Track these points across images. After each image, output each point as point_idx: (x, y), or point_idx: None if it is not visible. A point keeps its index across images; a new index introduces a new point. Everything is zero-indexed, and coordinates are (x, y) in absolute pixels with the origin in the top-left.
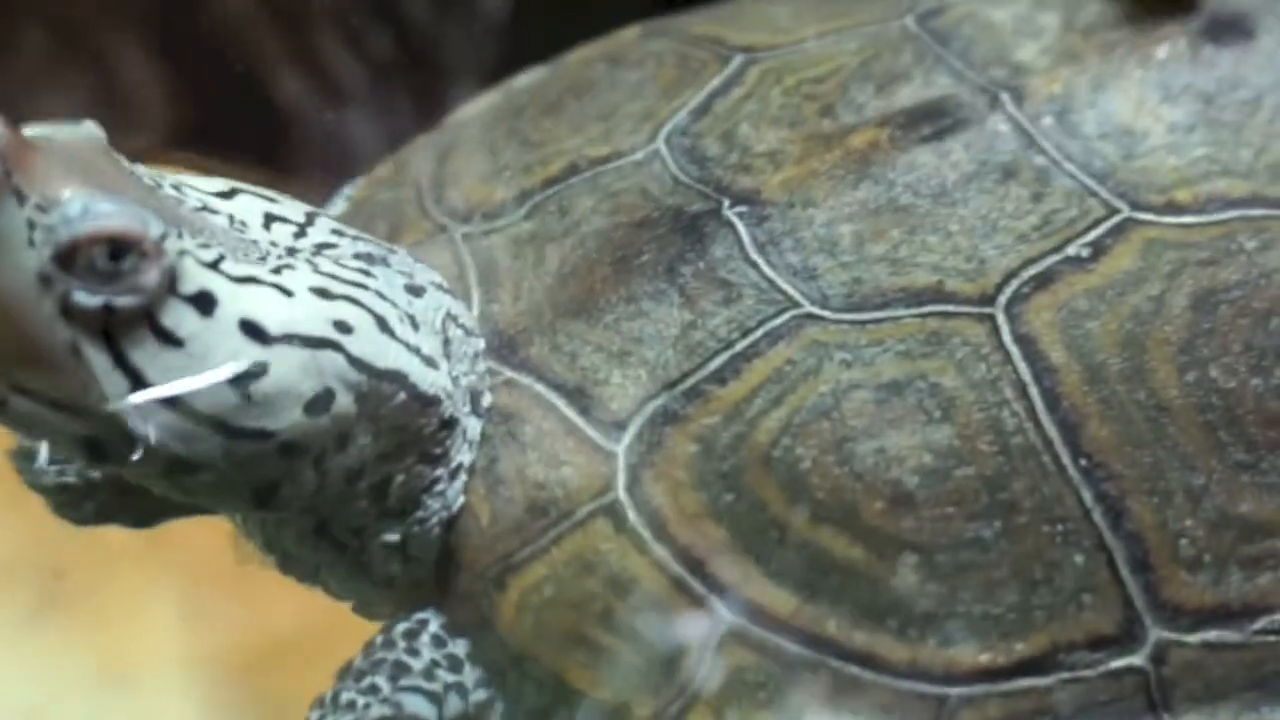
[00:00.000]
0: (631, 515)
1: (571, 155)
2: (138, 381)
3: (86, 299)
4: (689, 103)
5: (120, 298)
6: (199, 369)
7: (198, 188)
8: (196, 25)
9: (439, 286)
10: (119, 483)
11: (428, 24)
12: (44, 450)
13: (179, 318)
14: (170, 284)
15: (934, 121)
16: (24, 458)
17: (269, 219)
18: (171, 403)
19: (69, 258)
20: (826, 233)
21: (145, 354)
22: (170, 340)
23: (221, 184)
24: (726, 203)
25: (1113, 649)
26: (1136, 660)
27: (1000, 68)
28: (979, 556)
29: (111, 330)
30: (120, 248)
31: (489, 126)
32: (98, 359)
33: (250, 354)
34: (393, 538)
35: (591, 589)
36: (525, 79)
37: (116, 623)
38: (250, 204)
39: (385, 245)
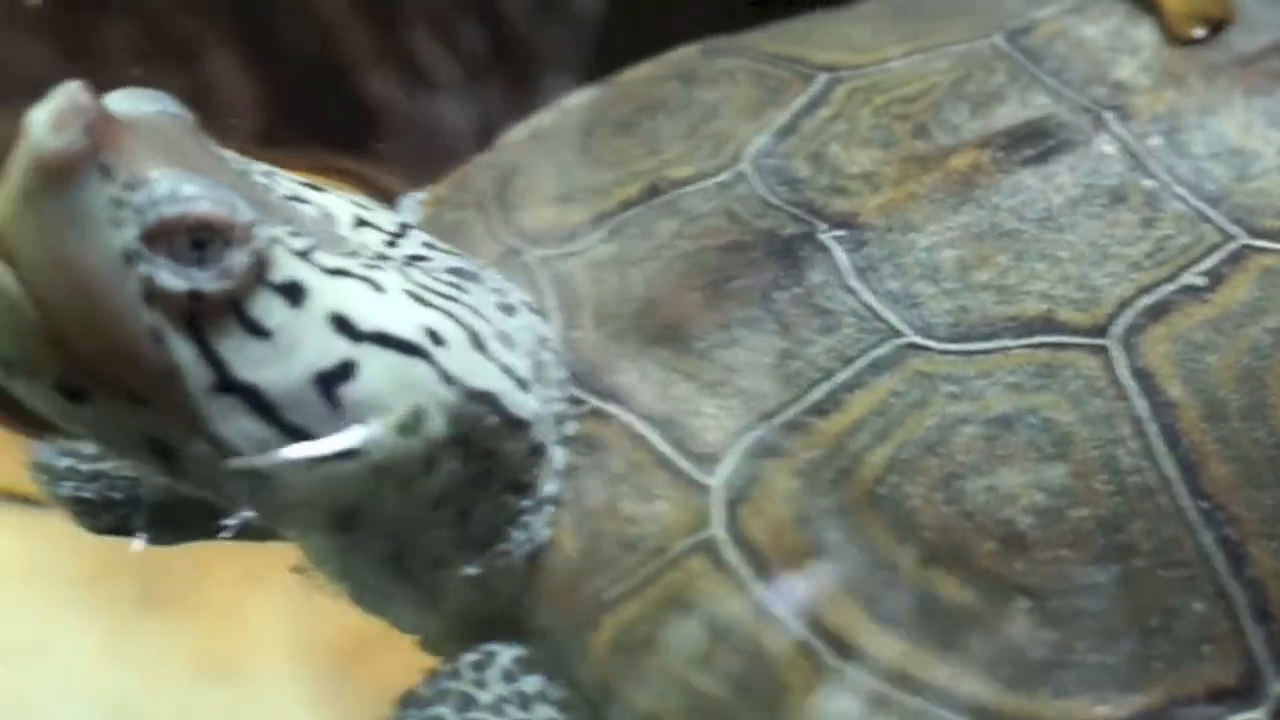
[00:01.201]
0: (730, 553)
1: (650, 176)
2: (222, 373)
3: (172, 282)
4: (773, 123)
5: (207, 283)
6: (286, 361)
7: (288, 178)
8: (286, 22)
9: (530, 307)
10: (152, 499)
11: (521, 18)
12: (63, 461)
13: (267, 307)
14: (259, 272)
15: (1036, 142)
16: (41, 469)
17: (359, 222)
18: (254, 405)
19: (155, 239)
20: (928, 258)
21: (231, 344)
22: (257, 331)
23: (310, 180)
24: (822, 226)
25: (1233, 703)
26: (1257, 715)
27: (1099, 86)
28: (1095, 603)
29: (196, 317)
30: (208, 232)
31: (553, 147)
32: (181, 347)
33: (339, 350)
34: (473, 570)
35: (689, 631)
36: (580, 98)
37: (219, 616)
38: (341, 203)
39: (476, 262)
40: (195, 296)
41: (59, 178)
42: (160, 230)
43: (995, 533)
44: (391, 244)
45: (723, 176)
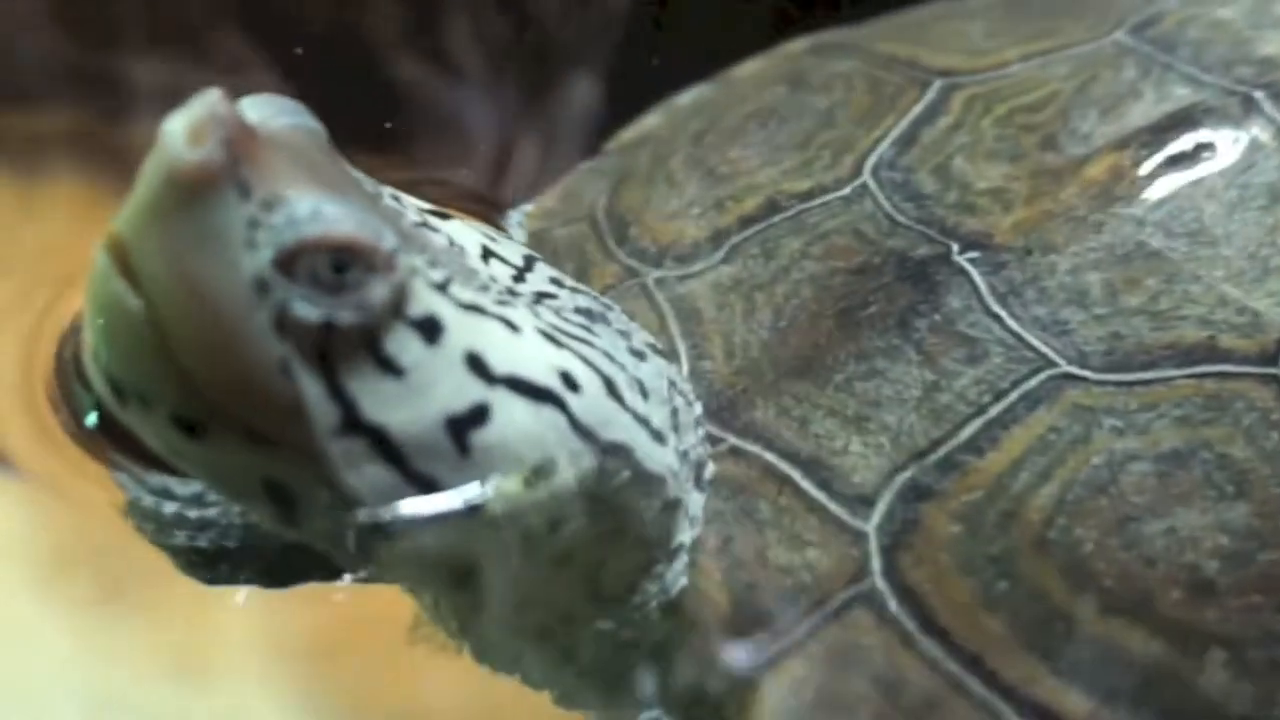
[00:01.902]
0: (893, 604)
1: (768, 190)
2: (350, 412)
3: (306, 311)
4: (891, 132)
5: (344, 313)
6: (418, 403)
7: (416, 203)
8: (306, 2)
9: (656, 350)
10: (265, 545)
11: (546, 11)
12: (168, 507)
13: (402, 344)
14: (397, 305)
15: (1180, 136)
16: (144, 516)
17: (487, 253)
18: (380, 449)
19: (291, 263)
20: (1073, 281)
21: (362, 382)
22: (391, 368)
23: (436, 208)
24: (956, 247)
25: None
26: None
27: (1245, 66)
28: None
29: (328, 351)
30: (350, 256)
31: (662, 154)
32: (309, 383)
33: (473, 393)
34: (605, 625)
35: (858, 690)
36: (689, 97)
37: (185, 614)
38: (469, 231)
39: (603, 301)
40: (329, 328)
41: (194, 193)
42: (299, 253)
43: (1181, 579)
44: (519, 278)
45: (845, 191)
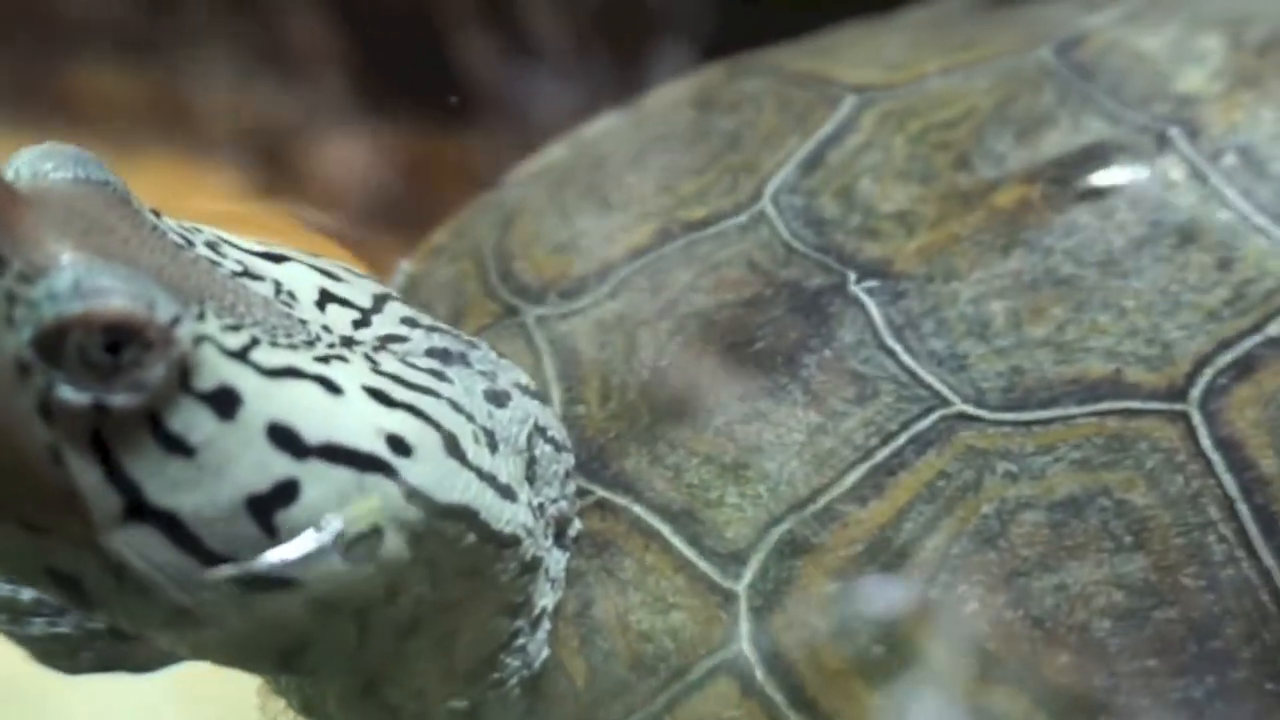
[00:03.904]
0: (760, 674)
1: (661, 219)
2: (134, 498)
3: (72, 395)
4: (796, 153)
5: (115, 395)
6: (212, 483)
7: (241, 247)
8: None
9: (525, 390)
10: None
11: None
12: (26, 593)
13: (191, 420)
14: (182, 378)
15: (1091, 172)
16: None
17: (325, 297)
18: (172, 534)
19: (54, 343)
20: (975, 311)
21: (145, 465)
22: (178, 448)
23: (274, 248)
24: (853, 276)
25: None
26: None
27: (1162, 102)
28: None
29: (104, 434)
30: (120, 336)
31: (559, 185)
32: (84, 470)
33: (278, 469)
34: (460, 704)
35: None
36: (598, 127)
37: None
38: (304, 276)
39: (466, 339)
40: (101, 410)
41: None
42: (60, 332)
43: (1069, 641)
44: (363, 322)
45: (741, 217)
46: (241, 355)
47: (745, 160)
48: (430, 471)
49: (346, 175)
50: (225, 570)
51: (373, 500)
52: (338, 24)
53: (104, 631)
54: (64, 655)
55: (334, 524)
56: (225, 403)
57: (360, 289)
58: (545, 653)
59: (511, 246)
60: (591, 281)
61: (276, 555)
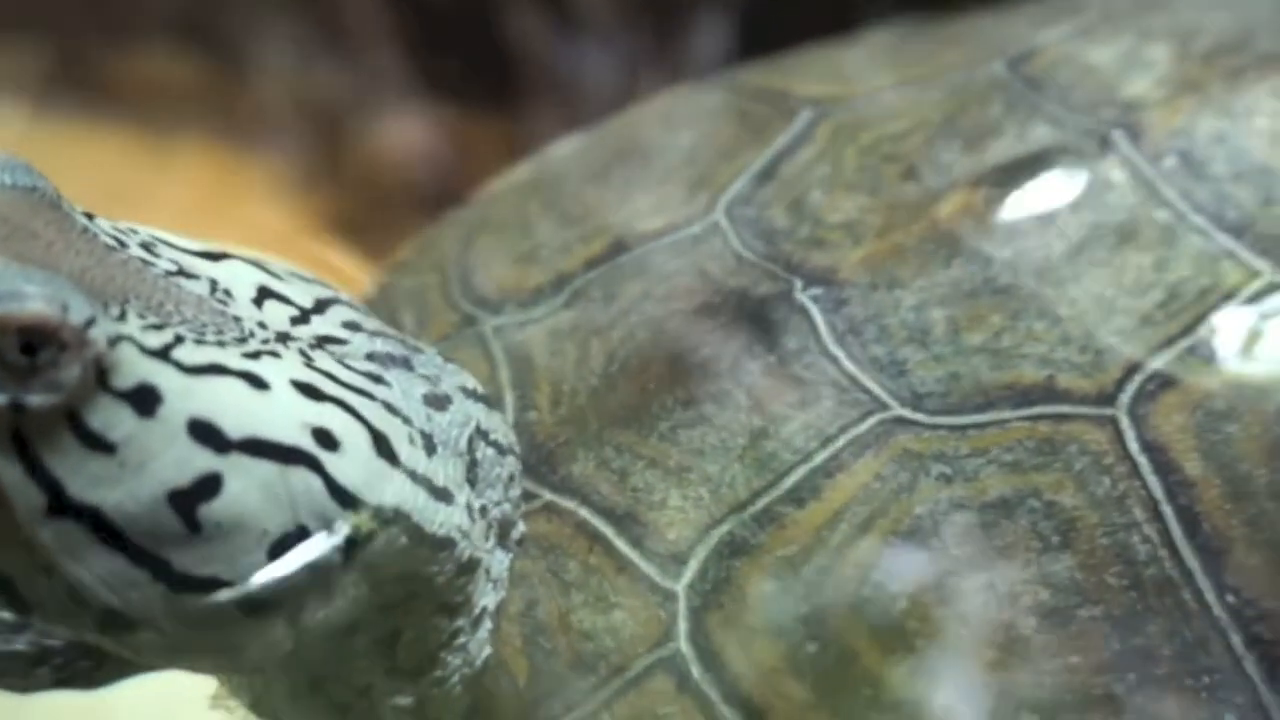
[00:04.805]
0: (696, 671)
1: (617, 230)
2: (56, 494)
3: None
4: (751, 166)
5: (32, 395)
6: (134, 479)
7: (177, 246)
8: None
9: (471, 394)
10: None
11: None
12: None
13: (111, 418)
14: (100, 377)
15: (1033, 178)
16: None
17: (263, 294)
18: (96, 530)
19: None
20: (916, 319)
21: (66, 462)
22: (99, 445)
23: (214, 246)
24: (799, 284)
25: None
26: None
27: (1108, 107)
28: (1112, 718)
29: (24, 433)
30: (36, 338)
31: (522, 200)
32: (5, 466)
33: (199, 463)
34: (405, 700)
35: None
36: (564, 147)
37: None
38: (243, 273)
39: (411, 344)
40: (17, 409)
41: None
42: None
43: (996, 639)
44: (301, 320)
45: (695, 228)
46: (162, 354)
47: (702, 173)
48: (357, 468)
49: (397, 155)
50: (225, 595)
51: (299, 498)
52: (388, 3)
53: (60, 648)
54: (17, 674)
55: (341, 530)
56: (145, 400)
57: (303, 290)
58: (487, 651)
59: (472, 260)
60: (547, 291)
61: (266, 575)
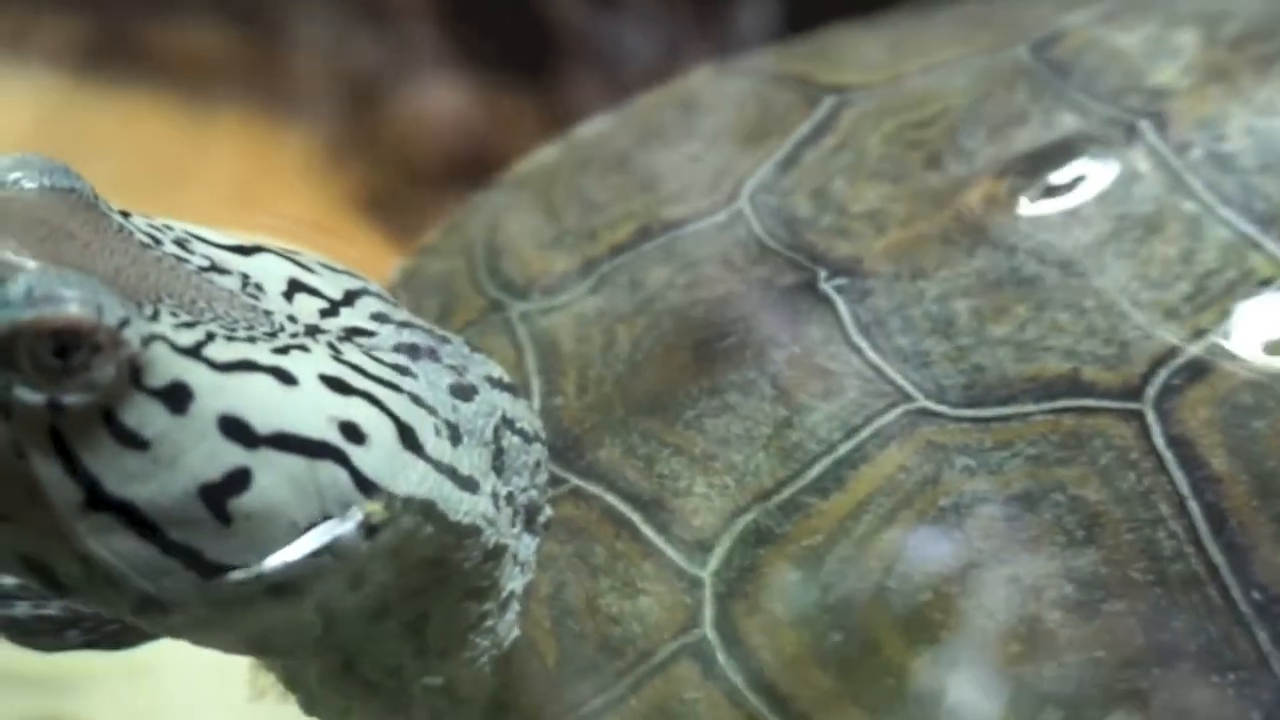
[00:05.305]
0: (721, 657)
1: (642, 217)
2: (93, 490)
3: (28, 396)
4: (774, 154)
5: (68, 395)
6: (166, 475)
7: (210, 241)
8: None
9: (497, 383)
10: None
11: None
12: (8, 578)
13: (145, 415)
14: (134, 376)
15: (1059, 167)
16: None
17: (294, 287)
18: (131, 524)
19: (8, 348)
20: (939, 310)
21: (102, 458)
22: (133, 442)
23: (246, 241)
24: (823, 274)
25: None
26: None
27: (1134, 95)
28: (1136, 713)
29: (61, 430)
30: (70, 340)
31: (548, 184)
32: (44, 464)
33: (229, 459)
34: (435, 680)
35: None
36: (591, 128)
37: None
38: (274, 267)
39: (438, 334)
40: (56, 409)
41: None
42: (13, 338)
43: (1020, 632)
44: (331, 312)
45: (719, 216)
46: (194, 351)
47: (725, 161)
48: (384, 461)
49: (432, 127)
50: (237, 576)
51: (327, 490)
52: None
53: (89, 613)
54: (49, 634)
55: (355, 515)
56: (177, 398)
57: (333, 282)
58: (515, 633)
59: (499, 244)
60: (574, 277)
61: (280, 558)
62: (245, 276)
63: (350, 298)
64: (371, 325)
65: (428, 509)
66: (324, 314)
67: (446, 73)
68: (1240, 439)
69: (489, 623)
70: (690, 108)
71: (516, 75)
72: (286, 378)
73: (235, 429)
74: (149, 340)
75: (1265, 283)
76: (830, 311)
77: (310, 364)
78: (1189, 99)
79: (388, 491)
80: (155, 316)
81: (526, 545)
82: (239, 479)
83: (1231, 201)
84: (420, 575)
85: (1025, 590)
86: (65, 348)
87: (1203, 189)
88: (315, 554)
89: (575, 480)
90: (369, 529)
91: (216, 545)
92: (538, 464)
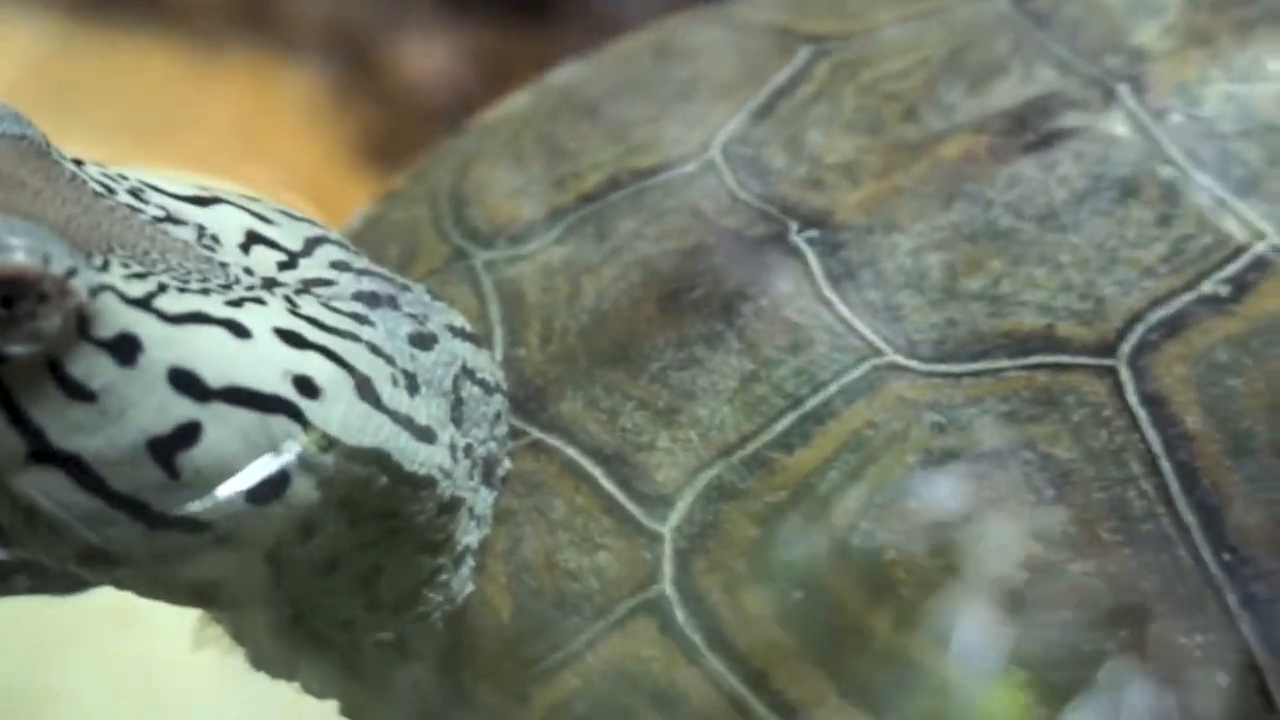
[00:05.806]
0: (680, 615)
1: (611, 167)
2: (38, 441)
3: None
4: (748, 104)
5: (12, 346)
6: (113, 427)
7: (166, 191)
8: None
9: (458, 332)
10: None
11: None
12: None
13: (91, 366)
14: (81, 326)
15: (1038, 125)
16: None
17: (251, 239)
18: (77, 476)
19: None
20: (913, 264)
21: (48, 409)
22: (79, 393)
23: (204, 191)
24: (794, 226)
25: None
26: None
27: (1115, 55)
28: (1102, 675)
29: (5, 381)
30: (15, 289)
31: (517, 131)
32: None
33: (178, 412)
34: (386, 635)
35: (632, 706)
36: (564, 75)
37: None
38: (232, 217)
39: (399, 282)
40: (1, 359)
41: None
42: None
43: (985, 591)
44: (289, 264)
45: (690, 167)
46: (144, 303)
47: (698, 110)
48: (338, 413)
49: (428, 76)
50: (183, 526)
51: (280, 444)
52: None
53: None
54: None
55: (292, 449)
56: (125, 349)
57: (292, 232)
58: (469, 588)
59: (465, 191)
60: (540, 227)
61: (207, 501)
62: (201, 228)
63: (310, 246)
64: (331, 274)
65: (382, 459)
66: (282, 266)
67: (441, 21)
68: (1215, 397)
69: (443, 577)
70: (665, 56)
71: (513, 25)
72: (240, 330)
73: (185, 382)
74: (97, 290)
75: (1242, 249)
76: (801, 264)
77: (265, 317)
78: (1169, 62)
79: (341, 443)
80: (105, 267)
81: (484, 499)
82: (189, 432)
83: (1209, 167)
84: (373, 527)
85: (992, 549)
86: (10, 297)
87: (1180, 154)
88: (263, 503)
89: (536, 433)
90: (302, 463)
91: (164, 498)
92: (498, 415)
